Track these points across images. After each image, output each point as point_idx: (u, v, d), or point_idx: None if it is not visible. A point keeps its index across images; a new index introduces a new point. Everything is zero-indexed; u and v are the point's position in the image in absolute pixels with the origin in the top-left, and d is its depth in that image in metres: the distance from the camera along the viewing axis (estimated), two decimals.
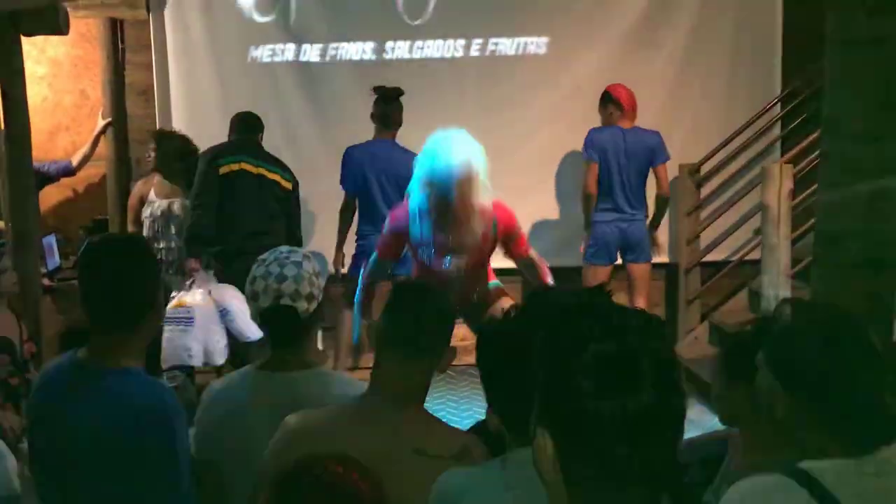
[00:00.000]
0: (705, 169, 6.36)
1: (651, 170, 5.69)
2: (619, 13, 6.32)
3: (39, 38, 5.38)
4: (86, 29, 6.33)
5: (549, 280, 4.24)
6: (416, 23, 6.27)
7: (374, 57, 6.31)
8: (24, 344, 4.29)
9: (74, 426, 2.04)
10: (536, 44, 6.34)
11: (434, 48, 6.31)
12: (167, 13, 6.20)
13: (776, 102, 6.34)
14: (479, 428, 2.19)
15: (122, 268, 2.09)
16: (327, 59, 6.29)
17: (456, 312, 4.68)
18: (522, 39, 6.33)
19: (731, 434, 2.33)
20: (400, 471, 1.92)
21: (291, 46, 6.25)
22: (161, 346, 4.64)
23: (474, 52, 6.33)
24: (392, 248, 4.27)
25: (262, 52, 6.26)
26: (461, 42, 6.32)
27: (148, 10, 6.18)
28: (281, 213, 5.08)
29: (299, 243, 5.05)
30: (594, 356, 1.09)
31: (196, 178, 5.03)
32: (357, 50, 6.30)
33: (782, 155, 6.16)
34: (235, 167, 4.99)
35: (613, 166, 5.59)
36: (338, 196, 5.48)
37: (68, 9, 5.03)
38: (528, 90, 6.31)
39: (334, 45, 6.27)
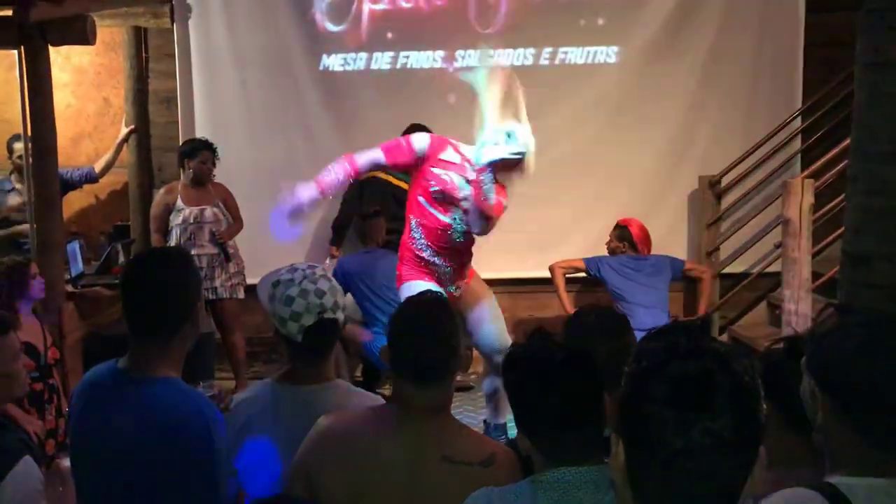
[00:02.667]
0: (725, 181, 6.35)
1: (682, 276, 5.64)
2: (643, 23, 6.33)
3: (64, 46, 5.43)
4: (110, 37, 6.39)
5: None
6: (487, 31, 6.30)
7: (443, 65, 6.33)
8: (47, 349, 4.34)
9: (115, 434, 2.07)
10: (606, 53, 6.37)
11: (504, 56, 6.28)
12: (191, 22, 6.26)
13: (797, 115, 6.33)
14: (511, 442, 2.20)
15: (164, 280, 2.13)
16: (398, 66, 6.35)
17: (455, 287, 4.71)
18: (592, 49, 6.36)
19: None
20: (428, 477, 1.95)
21: (363, 55, 6.31)
22: (197, 357, 4.75)
23: (543, 60, 6.37)
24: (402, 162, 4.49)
25: (335, 61, 6.31)
26: (531, 51, 6.36)
27: (172, 20, 6.25)
28: (404, 214, 5.62)
29: None
30: (672, 371, 1.14)
31: None
32: (427, 58, 6.35)
33: (802, 168, 6.14)
34: (370, 174, 5.51)
35: (629, 292, 5.46)
36: None
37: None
38: (599, 99, 6.32)
39: (405, 53, 6.33)
